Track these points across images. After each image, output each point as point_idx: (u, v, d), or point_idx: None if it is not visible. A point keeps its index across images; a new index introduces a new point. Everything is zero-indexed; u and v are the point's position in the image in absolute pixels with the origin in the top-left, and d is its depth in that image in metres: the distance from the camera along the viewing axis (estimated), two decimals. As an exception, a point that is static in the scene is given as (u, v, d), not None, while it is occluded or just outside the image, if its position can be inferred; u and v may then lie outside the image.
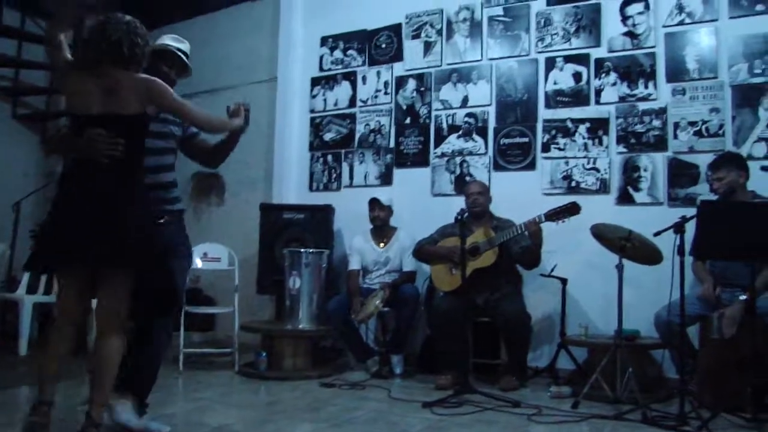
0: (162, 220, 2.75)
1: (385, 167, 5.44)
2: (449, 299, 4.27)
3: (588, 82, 4.68)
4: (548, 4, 4.87)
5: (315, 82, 5.85)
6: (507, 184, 4.83)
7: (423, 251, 4.60)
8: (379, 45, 5.58)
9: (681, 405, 3.02)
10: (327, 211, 5.22)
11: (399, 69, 5.45)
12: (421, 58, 5.36)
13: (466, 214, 4.03)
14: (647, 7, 4.52)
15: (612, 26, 4.64)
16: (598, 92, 4.64)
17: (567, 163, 4.69)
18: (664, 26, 4.46)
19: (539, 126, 4.82)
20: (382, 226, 4.90)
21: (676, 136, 4.36)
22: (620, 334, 3.52)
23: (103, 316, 2.55)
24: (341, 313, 4.65)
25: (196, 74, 3.20)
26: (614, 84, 4.59)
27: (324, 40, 5.84)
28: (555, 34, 4.83)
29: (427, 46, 5.34)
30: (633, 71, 4.53)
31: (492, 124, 5.01)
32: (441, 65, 5.27)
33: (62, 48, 2.50)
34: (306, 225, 5.18)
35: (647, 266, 3.71)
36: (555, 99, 4.79)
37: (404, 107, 5.40)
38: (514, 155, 4.90)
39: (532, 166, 4.82)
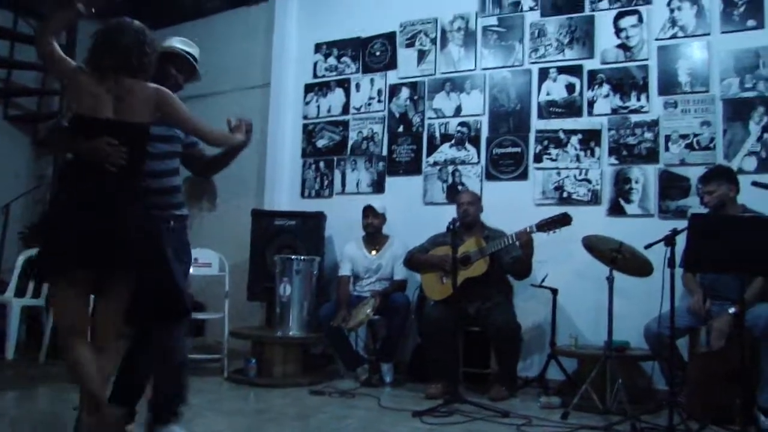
0: (170, 225, 2.72)
1: (378, 175, 5.44)
2: (440, 308, 4.27)
3: (581, 93, 4.71)
4: (542, 15, 4.90)
5: (308, 88, 5.85)
6: (499, 194, 4.84)
7: (414, 260, 4.59)
8: (373, 53, 5.59)
9: (670, 416, 3.02)
10: (318, 218, 5.21)
11: (393, 77, 5.46)
12: (415, 66, 5.37)
13: (458, 224, 4.03)
14: (641, 20, 4.56)
15: (605, 38, 4.67)
16: (591, 104, 4.67)
17: (559, 173, 4.71)
18: (657, 39, 4.50)
19: (532, 136, 4.84)
20: (374, 233, 4.90)
21: (667, 149, 4.39)
22: (610, 346, 3.53)
23: (102, 324, 2.50)
24: (332, 321, 4.63)
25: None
26: (607, 96, 4.62)
27: (318, 47, 5.84)
28: (549, 45, 4.86)
29: (421, 55, 5.35)
30: (626, 83, 4.56)
31: (485, 133, 5.03)
32: (435, 74, 5.28)
33: (54, 50, 2.44)
34: (297, 232, 5.17)
35: (637, 278, 3.73)
36: (548, 110, 4.81)
37: (397, 115, 5.40)
38: (506, 165, 4.92)
39: (524, 176, 4.84)
